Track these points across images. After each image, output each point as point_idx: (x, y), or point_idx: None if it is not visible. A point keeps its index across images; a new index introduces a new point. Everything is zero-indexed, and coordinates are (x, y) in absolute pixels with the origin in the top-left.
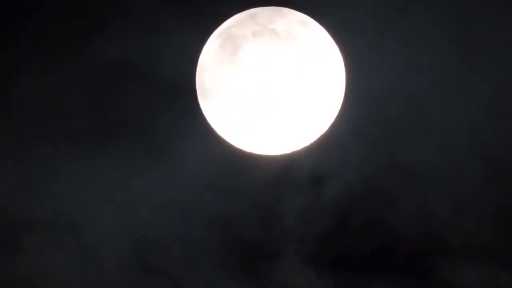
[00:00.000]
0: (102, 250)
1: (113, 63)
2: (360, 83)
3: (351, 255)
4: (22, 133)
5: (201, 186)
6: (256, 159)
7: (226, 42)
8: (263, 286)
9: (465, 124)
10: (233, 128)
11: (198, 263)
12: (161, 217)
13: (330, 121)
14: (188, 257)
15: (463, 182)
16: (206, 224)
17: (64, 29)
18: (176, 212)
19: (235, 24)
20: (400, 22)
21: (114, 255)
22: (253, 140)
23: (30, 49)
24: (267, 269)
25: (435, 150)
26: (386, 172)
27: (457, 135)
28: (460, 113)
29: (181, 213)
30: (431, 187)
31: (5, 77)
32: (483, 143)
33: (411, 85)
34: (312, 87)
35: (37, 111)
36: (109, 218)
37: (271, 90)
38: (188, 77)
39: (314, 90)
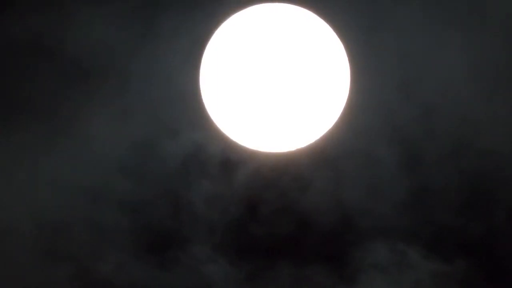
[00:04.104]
0: (5, 235)
1: (17, 42)
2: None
3: (264, 242)
4: None
5: (110, 170)
6: (165, 144)
7: (228, 37)
8: (174, 273)
9: (379, 106)
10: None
11: (107, 249)
12: (68, 201)
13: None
14: (96, 243)
15: (376, 166)
16: (114, 209)
17: None
18: (84, 196)
19: (238, 21)
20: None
21: (18, 241)
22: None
23: None
24: (178, 257)
25: (348, 133)
26: (299, 156)
27: (370, 118)
28: (374, 94)
29: (89, 198)
30: (344, 171)
31: None
32: (396, 126)
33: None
34: (314, 85)
35: None
36: (13, 201)
37: (270, 88)
38: (97, 57)
39: (316, 88)
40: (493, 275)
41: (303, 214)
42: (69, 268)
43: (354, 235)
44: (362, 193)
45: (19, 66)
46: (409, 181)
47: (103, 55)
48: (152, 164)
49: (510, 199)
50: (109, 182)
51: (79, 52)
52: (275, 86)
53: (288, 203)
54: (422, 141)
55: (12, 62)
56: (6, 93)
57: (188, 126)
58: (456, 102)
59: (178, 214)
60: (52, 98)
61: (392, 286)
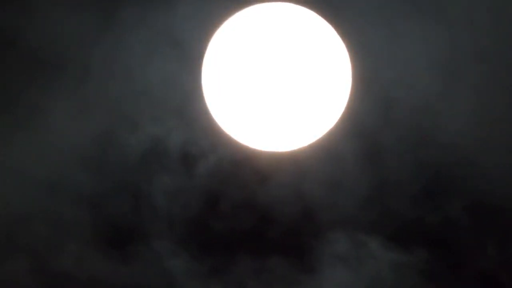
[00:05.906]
0: None
1: None
2: None
3: (226, 235)
4: None
5: (69, 163)
6: (125, 137)
7: (230, 35)
8: (135, 267)
9: (339, 99)
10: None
11: (66, 242)
12: (26, 193)
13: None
14: (56, 236)
15: (336, 158)
16: (74, 202)
17: None
18: (43, 188)
19: (239, 20)
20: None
21: None
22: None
23: None
24: (139, 250)
25: (308, 127)
26: (260, 150)
27: (331, 111)
28: (331, 88)
29: (48, 190)
30: (305, 164)
31: None
32: (357, 119)
33: None
34: (314, 84)
35: None
36: None
37: (269, 87)
38: (57, 47)
39: (316, 87)
40: (452, 265)
41: (264, 208)
42: (27, 261)
43: (315, 227)
44: (322, 186)
45: None
46: (369, 173)
47: (63, 46)
48: (112, 157)
49: (468, 190)
50: (69, 174)
51: (39, 43)
52: (264, 84)
53: (249, 197)
54: (381, 134)
55: None
56: None
57: (149, 119)
58: (415, 95)
59: (139, 207)
60: (10, 89)
61: (353, 276)
